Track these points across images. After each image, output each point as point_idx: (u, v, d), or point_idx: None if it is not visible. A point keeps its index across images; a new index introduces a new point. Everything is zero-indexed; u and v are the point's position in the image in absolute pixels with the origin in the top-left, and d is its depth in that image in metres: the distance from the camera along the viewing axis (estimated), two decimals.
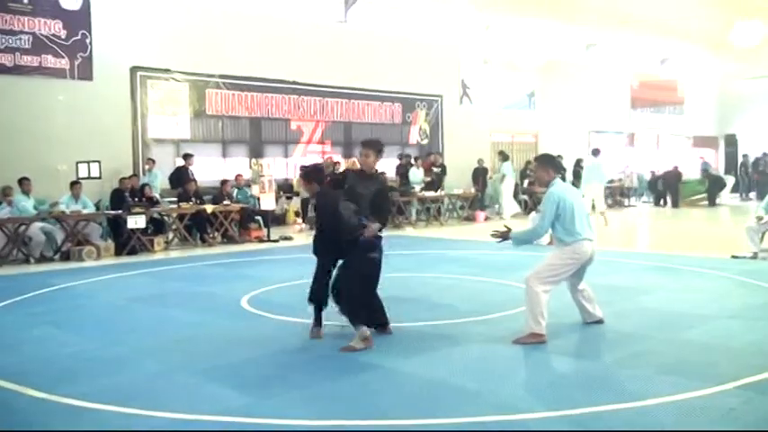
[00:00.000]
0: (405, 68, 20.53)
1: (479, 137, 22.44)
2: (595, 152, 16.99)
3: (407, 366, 5.07)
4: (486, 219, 18.80)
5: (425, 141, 21.56)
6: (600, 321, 6.22)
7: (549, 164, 6.11)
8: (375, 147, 5.87)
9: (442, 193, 18.71)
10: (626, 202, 24.29)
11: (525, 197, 20.74)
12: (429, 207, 18.41)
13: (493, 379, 4.76)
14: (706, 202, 23.38)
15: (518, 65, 22.99)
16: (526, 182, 20.86)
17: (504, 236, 6.05)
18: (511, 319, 6.40)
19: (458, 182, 20.20)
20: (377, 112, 20.28)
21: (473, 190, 19.68)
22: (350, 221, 5.60)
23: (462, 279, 8.98)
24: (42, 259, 11.91)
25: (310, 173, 6.04)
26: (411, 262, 11.00)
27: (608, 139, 26.90)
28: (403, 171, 18.78)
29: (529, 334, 5.67)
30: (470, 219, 18.71)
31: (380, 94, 20.17)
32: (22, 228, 11.72)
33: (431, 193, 18.13)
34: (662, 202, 24.13)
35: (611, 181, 22.28)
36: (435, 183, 18.91)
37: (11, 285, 9.24)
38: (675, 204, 23.11)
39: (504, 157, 20.20)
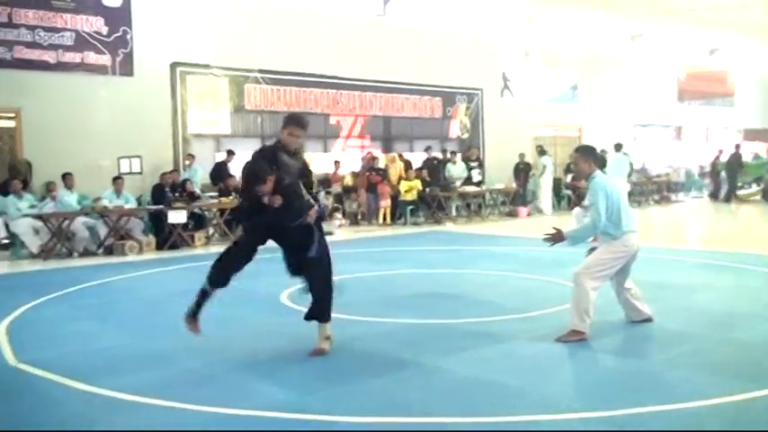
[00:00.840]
0: (445, 61, 20.45)
1: (521, 131, 22.27)
2: (618, 147, 17.05)
3: (448, 363, 5.07)
4: (529, 214, 18.67)
5: (466, 135, 21.46)
6: (649, 320, 6.11)
7: (591, 155, 5.97)
8: (304, 125, 5.48)
9: (483, 188, 18.62)
10: (673, 197, 23.89)
11: (569, 192, 20.53)
12: (470, 203, 18.34)
13: (536, 377, 4.73)
14: (758, 197, 22.87)
15: (561, 57, 22.76)
16: (569, 177, 20.66)
17: (557, 237, 5.93)
18: (555, 317, 6.35)
19: (499, 177, 20.09)
20: (417, 106, 20.24)
21: (514, 185, 19.56)
22: (303, 201, 5.31)
23: (505, 276, 8.93)
24: (86, 254, 12.17)
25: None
26: (452, 258, 10.98)
27: (654, 132, 26.47)
28: (431, 165, 18.66)
29: (570, 331, 5.62)
30: (512, 214, 18.59)
31: (420, 87, 20.13)
32: (66, 222, 11.99)
33: (471, 188, 18.06)
34: (716, 195, 23.44)
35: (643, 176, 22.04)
36: (472, 178, 18.84)
37: (55, 279, 9.45)
38: (728, 199, 22.62)
39: (541, 151, 20.04)
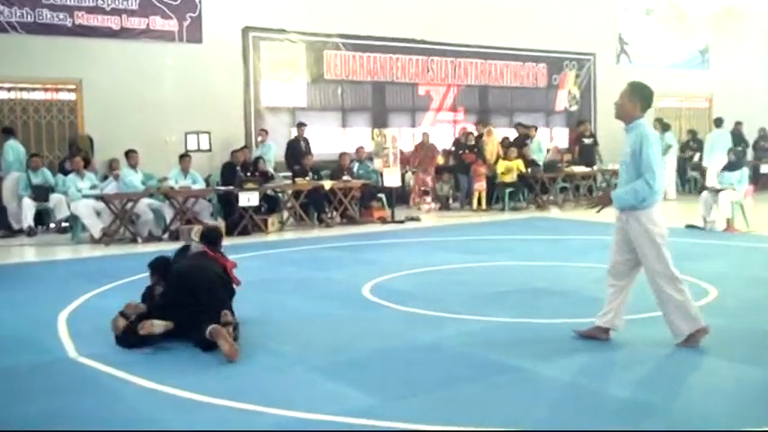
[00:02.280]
0: (551, 23, 20.11)
1: None
2: (719, 122, 17.65)
3: (551, 370, 5.01)
4: None
5: (575, 108, 21.09)
6: (607, 332, 5.70)
7: (640, 95, 5.52)
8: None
9: (595, 168, 18.27)
10: None
11: (695, 174, 19.90)
12: (579, 185, 18.03)
13: (654, 388, 4.62)
14: None
15: (688, 15, 22.01)
16: (696, 155, 20.00)
17: (604, 200, 5.74)
18: None
19: (613, 155, 19.64)
20: (518, 75, 20.01)
21: None
22: None
23: None
24: (150, 238, 12.55)
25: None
26: (557, 249, 10.83)
27: None
28: (522, 144, 18.25)
29: (688, 336, 5.43)
30: None
31: (522, 53, 19.88)
32: (130, 205, 12.38)
33: (581, 169, 17.74)
34: None
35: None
36: (587, 156, 18.47)
37: (116, 266, 9.80)
38: None
39: (664, 126, 19.45)
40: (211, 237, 6.59)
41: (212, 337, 5.40)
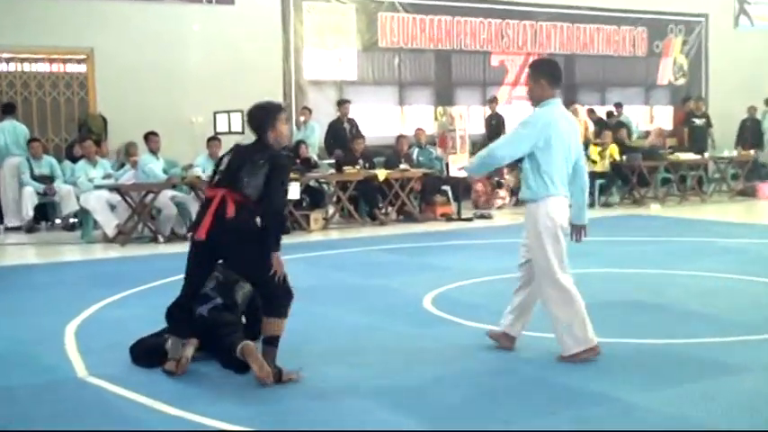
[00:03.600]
0: None
1: (765, 74, 21.28)
2: None
3: (651, 401, 4.97)
4: None
5: (681, 81, 20.83)
6: (508, 343, 6.00)
7: (545, 73, 5.88)
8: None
9: (706, 155, 18.00)
10: None
11: None
12: (685, 176, 17.80)
13: None
14: None
15: None
16: None
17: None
18: None
19: (728, 140, 19.35)
20: (611, 41, 19.83)
21: (752, 152, 18.76)
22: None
23: (735, 280, 8.67)
24: (173, 237, 12.70)
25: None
26: (658, 253, 10.72)
27: None
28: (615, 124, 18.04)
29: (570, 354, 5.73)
30: (748, 193, 17.90)
31: (616, 14, 19.70)
32: (150, 197, 12.53)
33: (688, 157, 17.49)
34: None
35: None
36: (699, 141, 18.20)
37: (134, 270, 9.96)
38: None
39: None
40: None
41: (243, 356, 5.44)
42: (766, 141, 19.94)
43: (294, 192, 13.19)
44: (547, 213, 5.74)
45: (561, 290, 5.80)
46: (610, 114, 18.68)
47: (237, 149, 5.68)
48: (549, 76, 5.88)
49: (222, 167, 5.58)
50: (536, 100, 5.90)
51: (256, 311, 5.99)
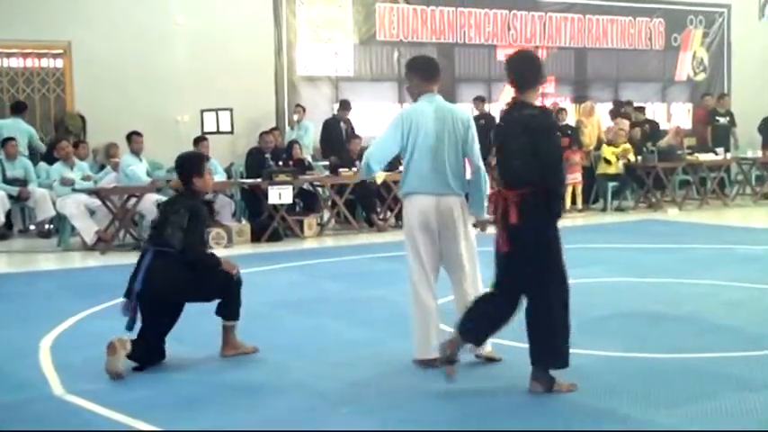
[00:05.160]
0: None
1: None
2: None
3: (664, 419, 4.99)
4: None
5: (702, 76, 20.85)
6: (481, 357, 6.08)
7: (417, 69, 6.25)
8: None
9: (729, 156, 18.02)
10: None
11: None
12: (705, 178, 17.82)
13: None
14: None
15: None
16: None
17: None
18: None
19: (752, 140, 19.36)
20: (626, 33, 19.86)
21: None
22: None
23: (760, 290, 8.66)
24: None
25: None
26: (676, 261, 10.73)
27: None
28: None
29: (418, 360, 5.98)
30: None
31: (631, 5, 19.75)
32: (132, 201, 12.53)
33: (708, 157, 17.49)
34: None
35: None
36: (722, 141, 18.20)
37: (115, 280, 9.81)
38: None
39: None
40: None
41: None
42: None
43: (287, 196, 13.20)
44: (407, 212, 6.12)
45: (413, 292, 6.13)
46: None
47: (164, 204, 6.73)
48: (421, 72, 6.21)
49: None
50: (414, 97, 6.26)
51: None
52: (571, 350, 6.16)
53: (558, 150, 5.75)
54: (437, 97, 6.18)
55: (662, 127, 19.30)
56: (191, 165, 6.61)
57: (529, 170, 5.28)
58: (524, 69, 5.61)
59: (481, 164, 6.14)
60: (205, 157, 6.88)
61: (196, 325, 7.58)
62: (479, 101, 17.37)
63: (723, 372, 5.87)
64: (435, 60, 6.57)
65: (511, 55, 5.84)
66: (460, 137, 6.06)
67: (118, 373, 5.89)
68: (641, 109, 18.65)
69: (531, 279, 5.40)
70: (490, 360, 6.12)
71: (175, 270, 6.22)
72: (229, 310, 6.49)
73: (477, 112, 17.11)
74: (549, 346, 5.42)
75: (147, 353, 6.21)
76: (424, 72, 6.22)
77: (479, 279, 6.17)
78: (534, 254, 5.36)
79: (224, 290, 6.42)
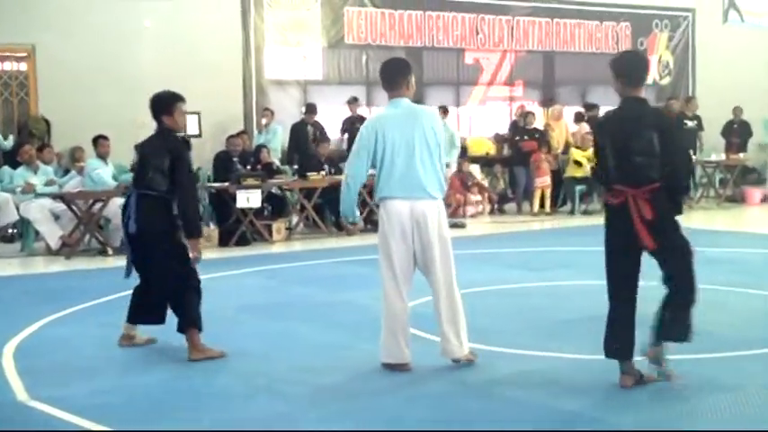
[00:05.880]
0: None
1: (755, 73, 21.49)
2: None
3: (633, 420, 5.02)
4: (765, 199, 18.09)
5: (667, 80, 20.98)
6: (459, 361, 6.08)
7: (382, 76, 6.26)
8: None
9: (694, 159, 18.13)
10: None
11: None
12: None
13: None
14: None
15: None
16: None
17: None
18: None
19: (717, 142, 19.50)
20: (593, 38, 19.96)
21: (741, 155, 18.90)
22: None
23: (724, 292, 8.74)
24: (123, 249, 12.61)
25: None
26: (643, 264, 10.62)
27: None
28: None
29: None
30: (736, 199, 18.06)
31: (599, 9, 19.84)
32: (98, 205, 12.44)
33: None
34: None
35: None
36: (688, 145, 18.31)
37: (80, 285, 9.87)
38: None
39: None
40: None
41: None
42: (764, 144, 20.10)
43: (255, 200, 13.16)
44: (381, 217, 6.17)
45: (384, 296, 6.12)
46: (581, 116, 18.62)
47: (141, 146, 7.10)
48: (383, 79, 6.27)
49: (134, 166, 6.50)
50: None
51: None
52: (540, 353, 6.20)
53: (684, 144, 5.88)
54: (403, 101, 6.15)
55: None
56: (159, 104, 7.02)
57: (656, 166, 5.38)
58: (636, 67, 5.75)
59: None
60: (178, 98, 7.08)
61: (163, 330, 7.53)
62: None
63: (692, 373, 5.88)
64: (400, 65, 6.50)
65: (619, 55, 6.04)
66: (433, 138, 6.04)
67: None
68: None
69: (679, 264, 5.68)
70: (457, 361, 6.10)
71: (160, 210, 6.54)
72: (181, 319, 6.57)
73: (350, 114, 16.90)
74: (687, 322, 5.68)
75: (146, 311, 6.69)
76: (385, 79, 6.26)
77: (455, 284, 6.17)
78: (678, 242, 5.63)
79: (175, 287, 6.54)
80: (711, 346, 6.59)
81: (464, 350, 6.07)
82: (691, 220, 15.41)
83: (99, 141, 13.02)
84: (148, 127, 14.78)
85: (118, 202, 12.56)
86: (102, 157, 13.01)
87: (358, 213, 6.52)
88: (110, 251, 12.33)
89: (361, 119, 16.38)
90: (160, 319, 6.76)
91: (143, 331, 6.93)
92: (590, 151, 16.47)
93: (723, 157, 18.42)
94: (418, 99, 17.48)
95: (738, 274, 9.65)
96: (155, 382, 5.99)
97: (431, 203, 6.02)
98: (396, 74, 6.23)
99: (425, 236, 6.00)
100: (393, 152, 5.96)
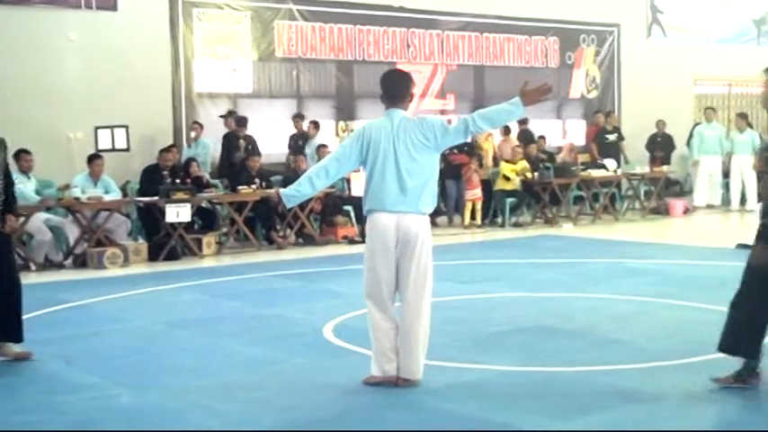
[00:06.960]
0: None
1: (678, 87, 21.94)
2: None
3: (564, 430, 5.10)
4: (687, 211, 18.41)
5: (594, 94, 21.27)
6: (407, 382, 5.95)
7: (381, 87, 6.28)
8: None
9: (619, 171, 18.43)
10: None
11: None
12: (597, 193, 18.17)
13: None
14: None
15: None
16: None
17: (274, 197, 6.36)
18: (723, 365, 6.29)
19: (641, 155, 19.84)
20: (522, 51, 20.16)
21: (665, 168, 19.24)
22: None
23: (648, 303, 8.87)
24: (48, 265, 12.46)
25: None
26: (570, 276, 10.90)
27: None
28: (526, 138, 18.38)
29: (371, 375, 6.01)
30: (660, 211, 18.37)
31: (527, 24, 20.05)
32: (20, 221, 12.27)
33: (601, 173, 17.84)
34: None
35: None
36: (610, 157, 18.62)
37: None
38: None
39: (741, 116, 19.61)
40: None
41: None
42: (686, 157, 20.44)
43: (185, 214, 13.09)
44: (368, 231, 6.05)
45: (368, 312, 6.12)
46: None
47: None
48: (383, 91, 6.27)
49: None
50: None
51: None
52: (470, 365, 6.28)
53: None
54: (399, 112, 6.11)
55: (556, 144, 19.66)
56: None
57: None
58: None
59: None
60: None
61: (90, 347, 7.51)
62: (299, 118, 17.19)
63: (615, 384, 6.01)
64: (401, 78, 6.47)
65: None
66: (427, 150, 5.99)
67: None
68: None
69: None
70: (405, 381, 5.98)
71: None
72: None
73: (295, 131, 16.97)
74: None
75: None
76: (384, 91, 6.25)
77: (425, 302, 6.02)
78: None
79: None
80: (632, 357, 6.73)
81: (416, 374, 5.97)
82: (616, 232, 15.74)
83: (21, 156, 12.74)
84: (75, 141, 14.78)
85: (42, 217, 12.52)
86: (25, 171, 12.80)
87: (295, 203, 6.46)
88: (32, 267, 12.17)
89: (305, 135, 16.43)
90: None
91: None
92: (519, 164, 16.73)
93: (647, 169, 18.73)
94: (351, 112, 17.78)
95: (661, 286, 9.80)
96: (81, 400, 5.93)
97: (418, 218, 5.94)
98: (393, 88, 6.24)
99: (409, 252, 5.89)
100: (382, 164, 5.90)
